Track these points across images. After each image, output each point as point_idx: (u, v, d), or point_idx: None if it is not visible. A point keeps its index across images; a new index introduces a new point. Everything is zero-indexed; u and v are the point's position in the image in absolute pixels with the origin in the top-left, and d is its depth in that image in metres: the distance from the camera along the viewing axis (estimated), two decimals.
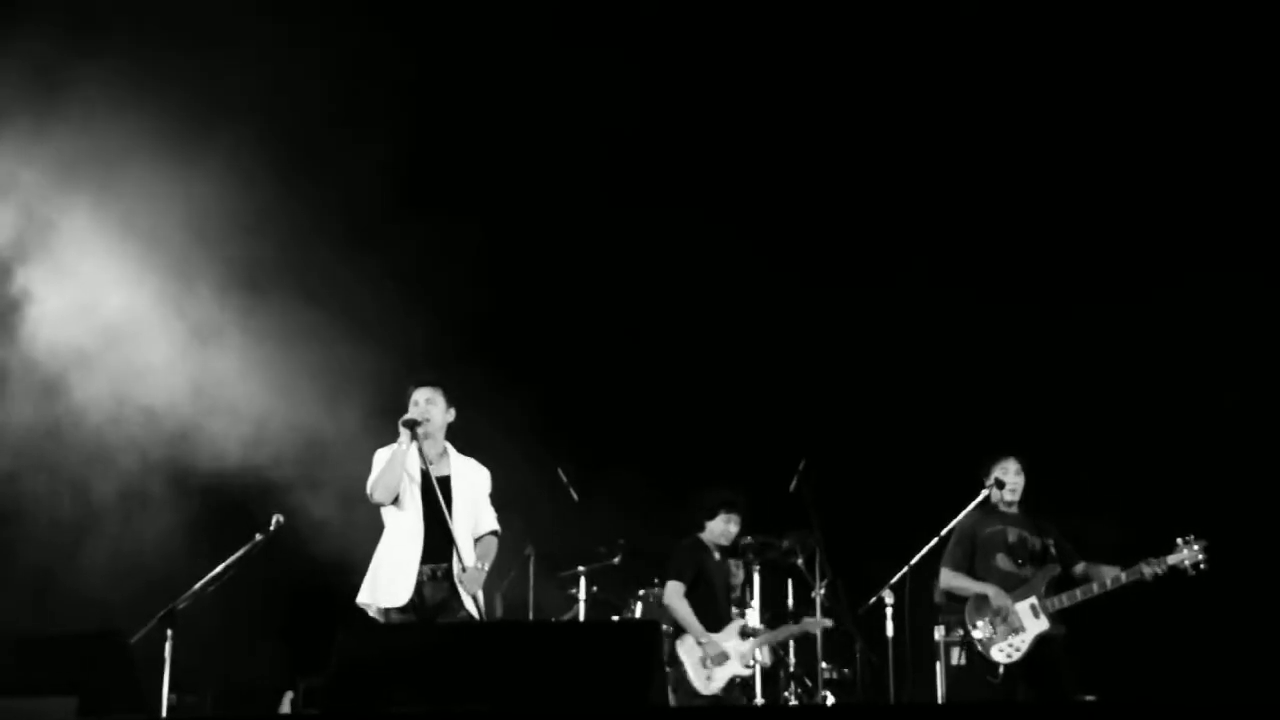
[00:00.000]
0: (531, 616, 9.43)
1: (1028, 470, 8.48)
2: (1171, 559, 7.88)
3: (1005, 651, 8.09)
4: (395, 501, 7.19)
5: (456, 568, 7.06)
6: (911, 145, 10.56)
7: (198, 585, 7.48)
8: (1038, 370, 10.30)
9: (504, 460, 7.50)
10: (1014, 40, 10.13)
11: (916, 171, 10.61)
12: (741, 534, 9.27)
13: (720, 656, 8.84)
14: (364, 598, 7.14)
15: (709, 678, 8.82)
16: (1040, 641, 8.08)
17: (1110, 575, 8.01)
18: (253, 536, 7.62)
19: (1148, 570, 7.90)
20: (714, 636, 8.88)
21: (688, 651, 8.90)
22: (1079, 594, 8.06)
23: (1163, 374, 10.01)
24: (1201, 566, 7.85)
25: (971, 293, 10.51)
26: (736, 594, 9.30)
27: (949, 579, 8.41)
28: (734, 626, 8.94)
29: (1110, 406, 10.08)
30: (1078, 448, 9.92)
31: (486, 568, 7.25)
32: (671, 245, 10.78)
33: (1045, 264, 10.39)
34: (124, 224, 9.41)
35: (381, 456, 7.28)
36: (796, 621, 9.17)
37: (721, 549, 9.22)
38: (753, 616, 9.14)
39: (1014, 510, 8.47)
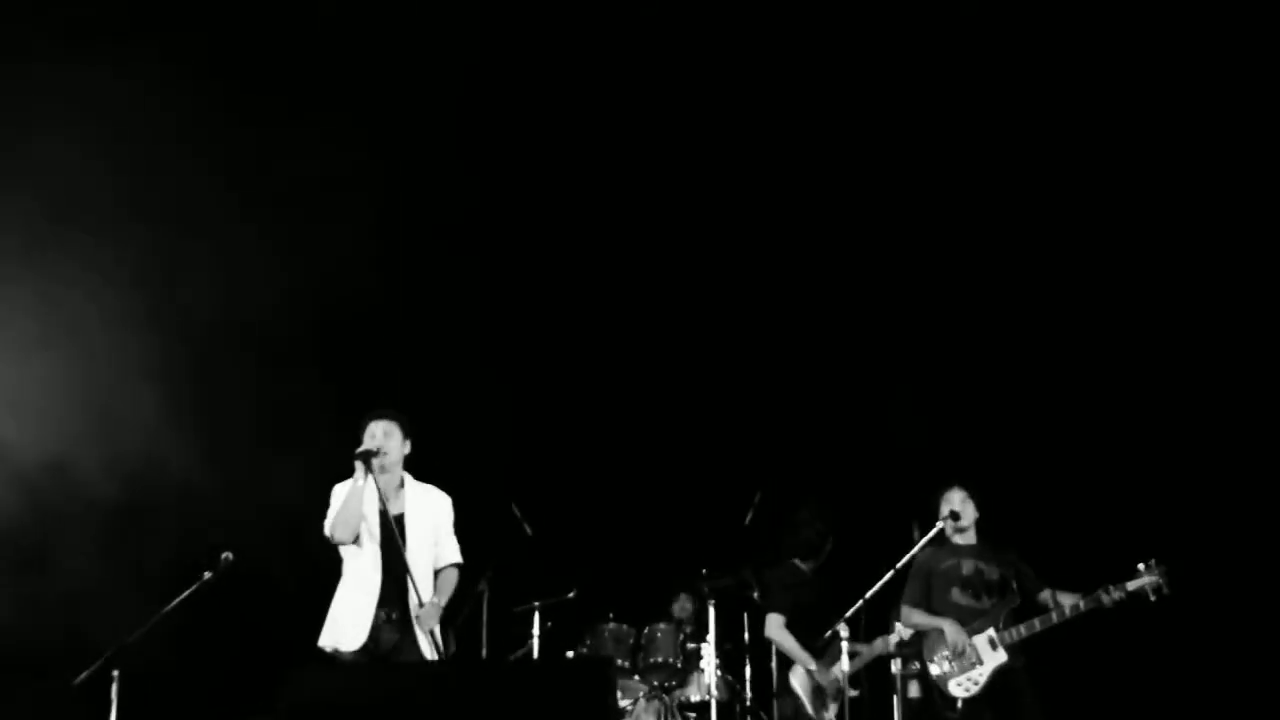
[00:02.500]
0: (484, 653, 9.36)
1: (979, 497, 8.34)
2: (1131, 585, 7.73)
3: (963, 685, 7.99)
4: (353, 540, 7.05)
5: (413, 605, 6.91)
6: (855, 183, 10.55)
7: (145, 625, 7.41)
8: (996, 396, 10.28)
9: (457, 495, 7.35)
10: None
11: (863, 204, 10.60)
12: (697, 567, 9.26)
13: (835, 685, 8.54)
14: (324, 640, 7.00)
15: (825, 706, 8.62)
16: (999, 674, 7.96)
17: (1069, 604, 7.87)
18: (200, 575, 7.54)
19: (1106, 598, 7.75)
20: (824, 666, 8.64)
21: (801, 681, 8.72)
22: (1037, 624, 7.90)
23: (1126, 398, 10.01)
24: (1163, 591, 7.72)
25: (930, 321, 10.51)
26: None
27: (908, 615, 8.31)
28: (836, 649, 8.23)
29: (1073, 431, 10.06)
30: (1041, 474, 9.88)
31: (444, 602, 7.11)
32: (628, 278, 10.79)
33: (1003, 286, 10.39)
34: None
35: (339, 493, 7.12)
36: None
37: (816, 569, 9.02)
38: (708, 651, 9.05)
39: (970, 540, 8.33)
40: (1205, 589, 8.72)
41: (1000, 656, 7.95)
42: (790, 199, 10.68)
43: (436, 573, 7.23)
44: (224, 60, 9.68)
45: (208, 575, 7.58)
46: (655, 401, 10.83)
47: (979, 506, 8.35)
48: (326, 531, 7.04)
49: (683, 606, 9.94)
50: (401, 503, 7.17)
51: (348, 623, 6.95)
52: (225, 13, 9.73)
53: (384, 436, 7.13)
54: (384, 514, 6.99)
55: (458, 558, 7.30)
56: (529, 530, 9.66)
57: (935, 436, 10.13)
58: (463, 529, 7.39)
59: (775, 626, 8.81)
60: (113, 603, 8.61)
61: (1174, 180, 9.83)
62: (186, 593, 7.55)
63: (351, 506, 6.95)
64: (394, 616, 6.95)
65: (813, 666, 8.62)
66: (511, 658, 9.58)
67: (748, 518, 9.27)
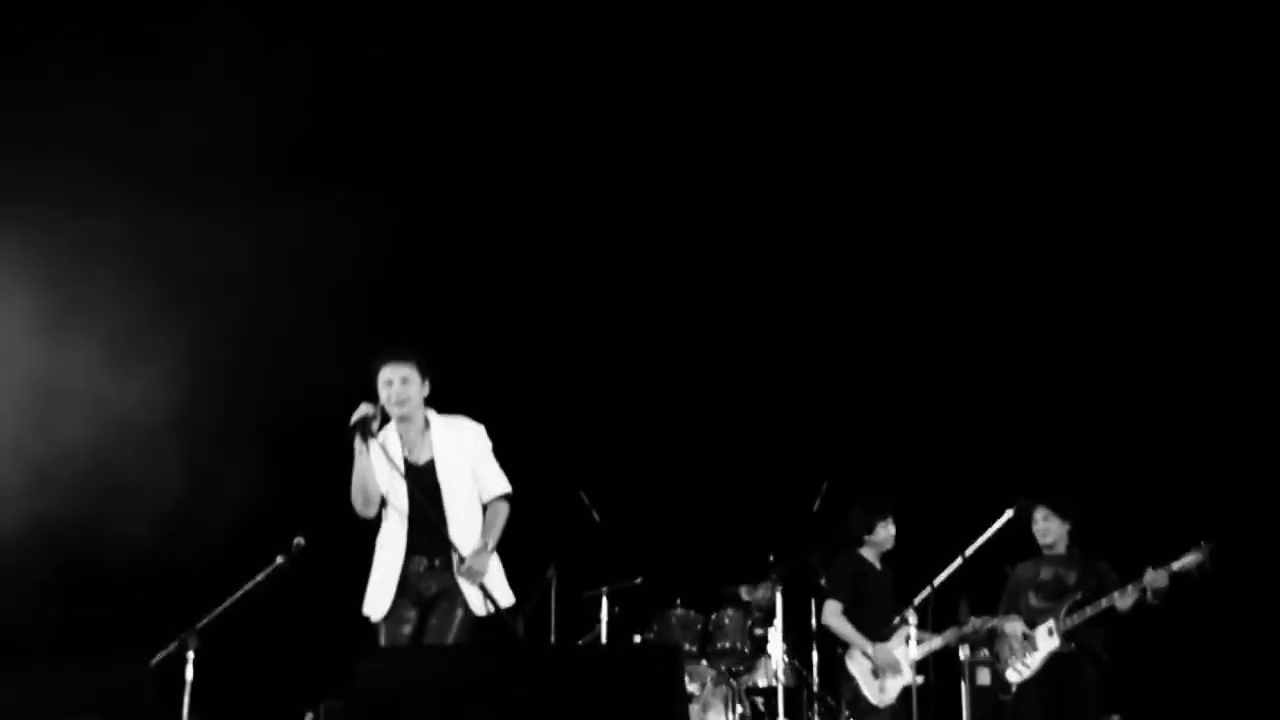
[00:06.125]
0: (553, 638, 9.34)
1: (1067, 511, 8.51)
2: (1176, 565, 7.85)
3: (1018, 670, 8.35)
4: (380, 508, 6.65)
5: (455, 557, 6.46)
6: (918, 148, 10.52)
7: (219, 607, 7.43)
8: (1067, 383, 10.32)
9: (525, 482, 7.02)
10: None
11: (923, 181, 10.58)
12: (765, 554, 9.26)
13: (893, 665, 8.68)
14: (366, 607, 6.72)
15: (882, 689, 8.72)
16: (1054, 659, 8.25)
17: (1118, 591, 8.01)
18: (273, 559, 7.51)
19: (1149, 578, 7.88)
20: (883, 645, 8.77)
21: (858, 665, 8.84)
22: (1089, 610, 8.12)
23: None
24: (1206, 568, 7.79)
25: (995, 307, 10.54)
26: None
27: (1000, 623, 8.58)
28: (902, 634, 8.63)
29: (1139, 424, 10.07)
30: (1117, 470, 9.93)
31: (493, 543, 6.59)
32: (696, 262, 10.74)
33: (1065, 281, 10.43)
34: None
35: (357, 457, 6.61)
36: (964, 625, 8.57)
37: (883, 556, 9.16)
38: (775, 636, 9.07)
39: (1059, 552, 8.54)
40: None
41: (1054, 643, 8.22)
42: (862, 192, 10.67)
43: (484, 507, 6.73)
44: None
45: (280, 559, 7.50)
46: (725, 387, 10.79)
47: (1069, 518, 8.51)
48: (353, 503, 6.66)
49: (765, 594, 9.72)
50: (428, 448, 6.66)
51: (378, 582, 6.64)
52: None
53: (402, 384, 6.58)
54: (410, 465, 6.58)
55: (505, 487, 6.77)
56: (597, 517, 9.60)
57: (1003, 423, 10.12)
58: (532, 517, 7.10)
59: (833, 613, 8.94)
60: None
61: (1199, 176, 9.88)
62: (260, 576, 7.49)
63: (362, 480, 6.49)
64: (436, 564, 6.55)
65: (869, 649, 8.72)
66: (580, 643, 9.57)
67: (815, 505, 9.21)
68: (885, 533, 9.11)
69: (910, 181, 10.54)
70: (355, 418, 6.41)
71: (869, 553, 9.16)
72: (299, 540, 7.54)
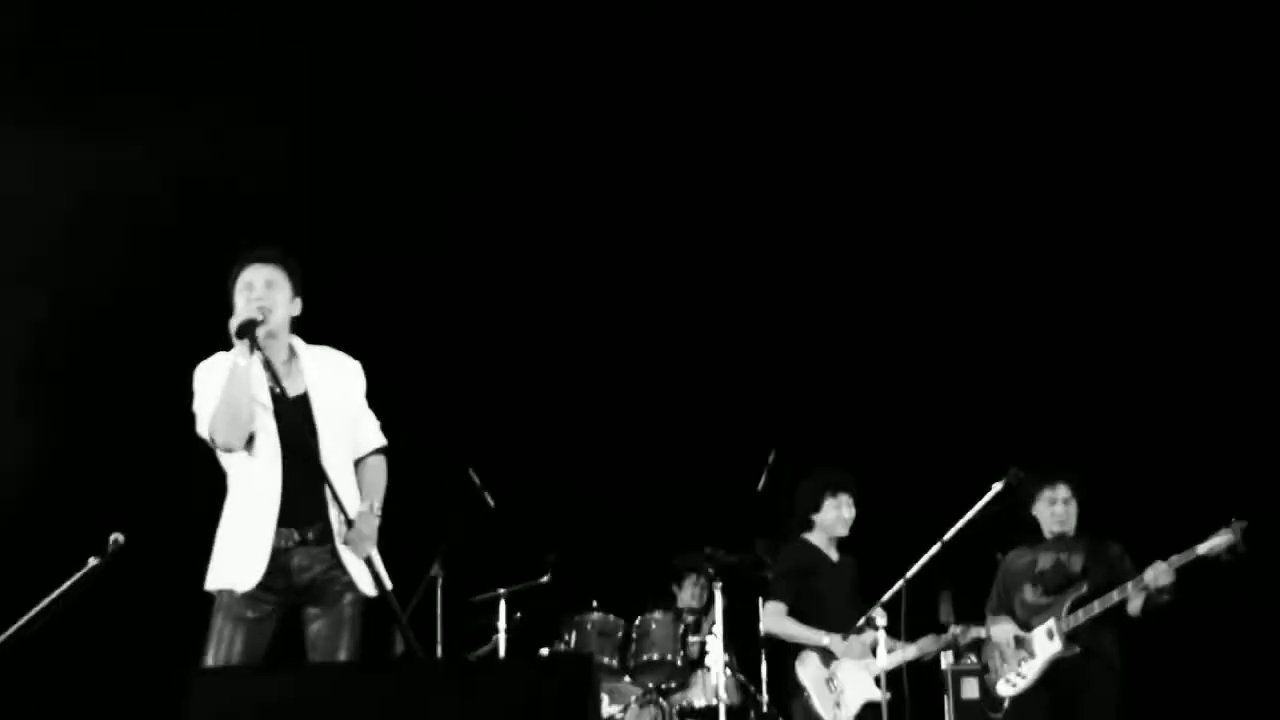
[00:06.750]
0: (439, 651, 8.56)
1: (1080, 490, 7.78)
2: (1201, 547, 7.17)
3: (1011, 682, 7.61)
4: (245, 444, 5.52)
5: (336, 523, 5.44)
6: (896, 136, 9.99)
7: (14, 625, 6.76)
8: (1060, 331, 9.70)
9: (400, 456, 6.01)
10: None
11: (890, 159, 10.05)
12: (700, 543, 8.51)
13: (862, 656, 7.78)
14: (212, 582, 5.51)
15: (838, 703, 7.86)
16: (1054, 666, 7.49)
17: (1132, 581, 7.29)
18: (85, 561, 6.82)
19: (1150, 575, 7.18)
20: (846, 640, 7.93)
21: (810, 675, 7.93)
22: (1096, 606, 7.36)
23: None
24: (1239, 550, 7.12)
25: (976, 248, 9.92)
26: None
27: (989, 623, 7.88)
28: (868, 639, 7.72)
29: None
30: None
31: (378, 508, 5.68)
32: (619, 210, 10.02)
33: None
34: None
35: (206, 376, 5.56)
36: (944, 631, 7.89)
37: (841, 543, 8.25)
38: (715, 645, 8.24)
39: (1062, 535, 7.79)
40: None
41: (1054, 647, 7.50)
42: (816, 153, 10.06)
43: (357, 464, 5.78)
44: None
45: (94, 561, 6.79)
46: (646, 343, 10.09)
47: (1080, 500, 7.86)
48: (205, 433, 5.49)
49: (693, 593, 9.17)
50: (300, 380, 5.64)
51: (238, 551, 5.47)
52: None
53: (266, 288, 5.47)
54: (278, 396, 5.49)
55: (381, 439, 5.89)
56: (491, 501, 8.89)
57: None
58: (409, 502, 6.10)
59: (773, 615, 8.16)
60: None
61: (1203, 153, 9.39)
62: (67, 584, 6.76)
63: (236, 396, 5.35)
64: (310, 537, 5.45)
65: (826, 640, 7.90)
66: (472, 656, 8.83)
67: (761, 482, 8.55)
68: (835, 513, 8.21)
69: (875, 147, 9.94)
70: (240, 320, 5.41)
71: (819, 538, 8.28)
72: (117, 537, 6.84)
